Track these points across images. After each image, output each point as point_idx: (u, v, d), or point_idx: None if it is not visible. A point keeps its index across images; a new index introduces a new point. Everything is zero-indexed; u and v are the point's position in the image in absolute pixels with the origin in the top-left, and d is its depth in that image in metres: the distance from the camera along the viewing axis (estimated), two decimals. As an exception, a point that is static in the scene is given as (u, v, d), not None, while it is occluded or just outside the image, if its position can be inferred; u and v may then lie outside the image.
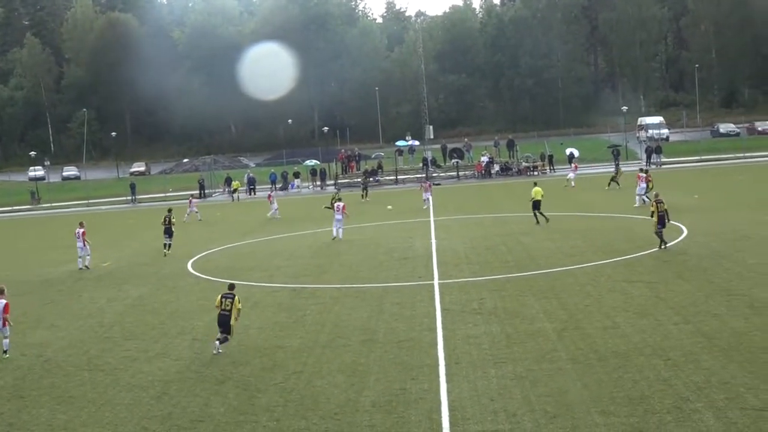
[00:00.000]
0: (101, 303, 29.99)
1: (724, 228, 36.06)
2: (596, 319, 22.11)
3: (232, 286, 22.14)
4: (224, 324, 21.33)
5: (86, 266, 38.16)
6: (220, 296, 21.71)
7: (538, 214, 41.86)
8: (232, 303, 21.35)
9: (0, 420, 17.75)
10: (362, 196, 66.72)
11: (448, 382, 17.76)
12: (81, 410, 17.85)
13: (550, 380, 17.39)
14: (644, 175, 48.30)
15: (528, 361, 18.81)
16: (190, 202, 63.14)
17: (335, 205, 42.10)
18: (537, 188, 42.50)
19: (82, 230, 38.04)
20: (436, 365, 19.03)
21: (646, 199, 44.56)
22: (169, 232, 41.50)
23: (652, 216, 32.10)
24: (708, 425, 14.39)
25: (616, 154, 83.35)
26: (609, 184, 58.82)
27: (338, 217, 41.33)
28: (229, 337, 21.44)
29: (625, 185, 55.77)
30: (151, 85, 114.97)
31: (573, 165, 71.95)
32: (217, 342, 21.26)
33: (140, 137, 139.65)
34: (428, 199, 55.48)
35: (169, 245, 41.37)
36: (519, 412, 15.69)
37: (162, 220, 42.18)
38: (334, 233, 41.54)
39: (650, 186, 45.82)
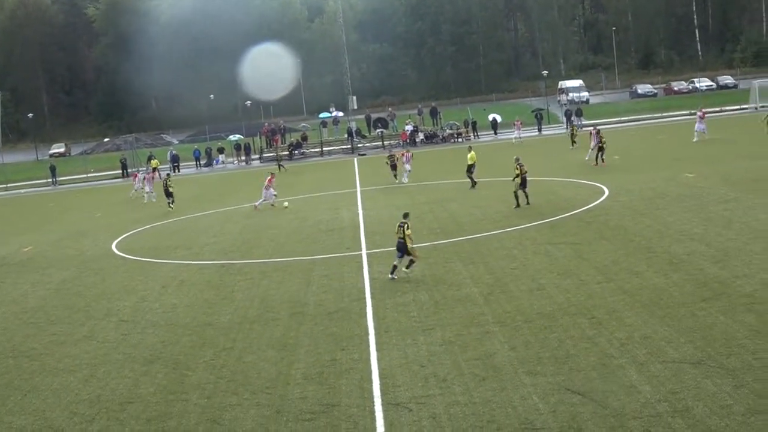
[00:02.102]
0: (24, 288, 29.40)
1: (643, 187, 36.81)
2: (522, 282, 22.45)
3: (406, 215, 24.36)
4: (401, 248, 23.59)
5: None
6: (397, 225, 23.88)
7: (471, 177, 43.06)
8: (403, 230, 23.39)
9: None
10: (278, 168, 67.09)
11: (378, 350, 17.89)
12: (6, 399, 17.52)
13: (478, 344, 17.63)
14: (596, 133, 50.06)
15: (456, 326, 19.03)
16: (135, 177, 61.93)
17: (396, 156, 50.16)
18: (472, 153, 43.60)
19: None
20: (366, 335, 19.16)
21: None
22: (168, 194, 48.16)
23: (514, 179, 34.12)
24: (631, 379, 14.77)
25: (539, 118, 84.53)
26: (572, 143, 60.19)
27: (407, 167, 49.15)
28: (414, 258, 23.86)
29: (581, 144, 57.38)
30: (67, 63, 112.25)
31: (516, 123, 75.34)
32: (394, 267, 23.94)
33: (59, 118, 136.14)
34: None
35: (172, 201, 48.10)
36: (449, 376, 15.89)
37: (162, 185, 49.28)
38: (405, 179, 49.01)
39: (603, 143, 47.53)
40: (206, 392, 16.51)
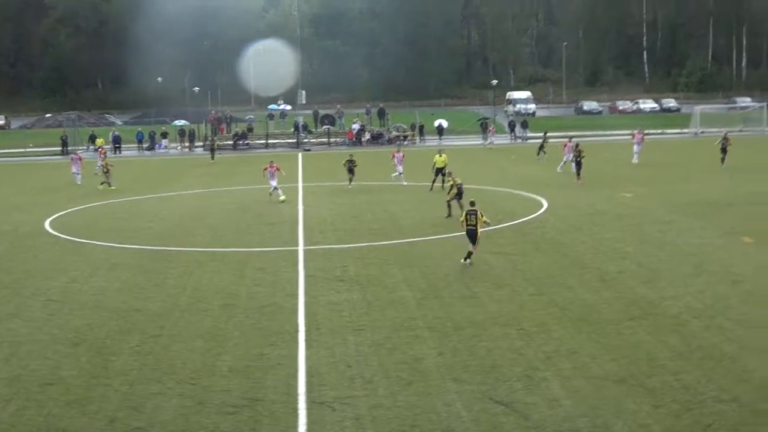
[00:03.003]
0: (-49, 261, 28.77)
1: (582, 203, 37.29)
2: (455, 289, 22.54)
3: (473, 203, 24.63)
4: (472, 236, 24.07)
5: None
6: (464, 213, 24.50)
7: (435, 181, 43.46)
8: (476, 217, 23.81)
9: None
10: (211, 157, 67.38)
11: (306, 348, 17.83)
12: (-77, 372, 17.12)
13: (407, 347, 17.66)
14: (570, 143, 50.49)
15: (386, 329, 19.04)
16: (102, 153, 60.94)
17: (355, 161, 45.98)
18: (441, 157, 43.99)
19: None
20: (296, 331, 19.06)
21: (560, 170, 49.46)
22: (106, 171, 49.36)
23: (449, 191, 34.12)
24: (554, 393, 14.92)
25: (485, 126, 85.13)
26: (538, 153, 60.04)
27: (400, 169, 46.62)
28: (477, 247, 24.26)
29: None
30: (14, 35, 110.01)
31: (491, 130, 78.33)
32: (469, 253, 24.12)
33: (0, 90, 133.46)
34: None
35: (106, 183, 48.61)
36: (375, 378, 15.89)
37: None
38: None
39: (582, 157, 46.21)
40: (129, 379, 16.30)
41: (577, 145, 48.56)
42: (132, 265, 27.28)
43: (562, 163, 50.93)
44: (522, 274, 23.99)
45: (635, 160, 55.70)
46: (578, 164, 45.84)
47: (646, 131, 62.81)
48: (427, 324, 19.38)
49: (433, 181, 43.58)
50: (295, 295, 22.37)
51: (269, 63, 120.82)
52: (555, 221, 32.88)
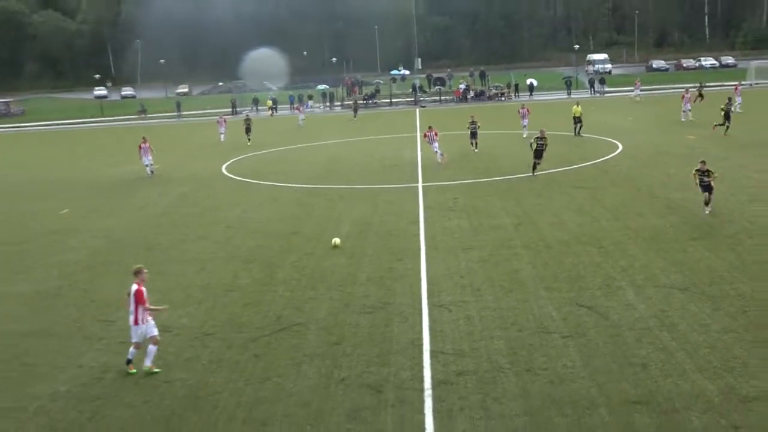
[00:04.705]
0: (153, 198, 30.09)
1: (651, 144, 36.00)
2: (545, 216, 22.29)
3: (704, 162, 21.55)
4: (708, 188, 21.11)
5: (152, 172, 35.69)
6: (695, 172, 21.48)
7: (577, 127, 41.86)
8: (708, 175, 21.11)
9: (76, 286, 18.07)
10: (354, 116, 66.59)
11: (427, 263, 18.02)
12: (138, 281, 18.11)
13: (507, 263, 17.65)
14: (688, 95, 46.98)
15: (490, 248, 19.03)
16: (299, 109, 65.29)
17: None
18: (577, 107, 42.68)
19: (147, 144, 35.64)
20: (418, 250, 19.26)
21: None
22: (248, 131, 48.82)
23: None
24: (629, 298, 14.71)
25: (569, 84, 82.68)
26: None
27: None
28: (712, 197, 21.29)
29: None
30: (191, 21, 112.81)
31: (637, 82, 71.42)
32: (706, 203, 21.23)
33: (184, 64, 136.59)
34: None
35: (249, 138, 48.10)
36: (482, 287, 15.98)
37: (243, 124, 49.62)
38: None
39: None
40: (291, 286, 16.86)
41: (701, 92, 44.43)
42: (289, 199, 27.97)
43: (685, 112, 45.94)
44: (600, 204, 23.50)
45: (739, 109, 47.59)
46: (727, 116, 37.98)
47: (706, 84, 58.84)
48: (523, 243, 19.29)
49: (574, 129, 41.96)
50: (417, 222, 22.55)
51: (391, 36, 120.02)
52: (628, 160, 31.92)
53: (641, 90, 68.90)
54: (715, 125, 38.24)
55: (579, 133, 41.69)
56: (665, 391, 10.79)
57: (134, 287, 12.60)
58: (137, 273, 12.82)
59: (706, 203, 21.24)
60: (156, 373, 12.47)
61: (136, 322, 12.55)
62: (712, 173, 21.19)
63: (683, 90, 54.81)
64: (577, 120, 41.88)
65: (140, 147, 35.86)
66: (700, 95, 51.42)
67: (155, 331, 12.70)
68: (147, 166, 35.68)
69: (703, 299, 14.40)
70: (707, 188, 21.19)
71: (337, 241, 19.81)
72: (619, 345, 12.52)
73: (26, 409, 11.58)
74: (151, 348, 12.57)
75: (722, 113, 38.05)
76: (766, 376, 11.08)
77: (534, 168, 29.29)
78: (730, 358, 11.78)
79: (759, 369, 11.33)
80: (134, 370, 12.56)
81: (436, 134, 34.34)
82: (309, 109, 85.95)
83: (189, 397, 11.64)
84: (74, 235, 23.73)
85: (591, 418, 10.19)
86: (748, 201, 22.47)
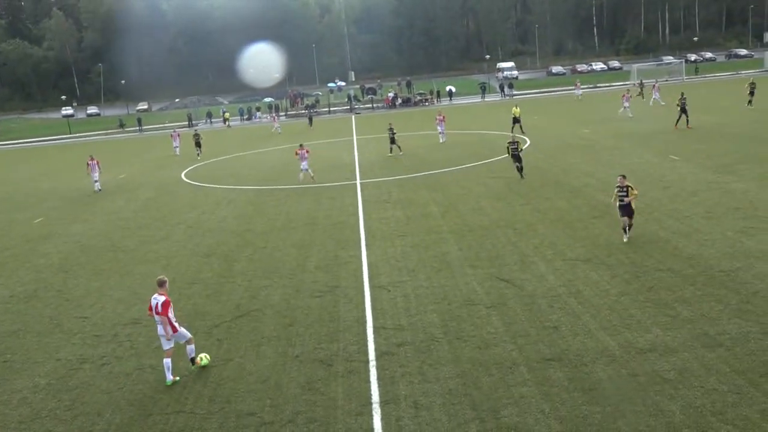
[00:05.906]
0: (120, 204, 29.25)
1: (555, 138, 36.64)
2: (467, 204, 22.47)
3: (624, 177, 16.29)
4: (627, 211, 16.27)
5: (99, 189, 33.24)
6: (616, 190, 16.44)
7: (517, 127, 40.46)
8: (626, 194, 16.16)
9: (51, 288, 17.43)
10: (309, 125, 65.76)
11: (367, 250, 17.97)
12: (109, 279, 17.62)
13: (436, 246, 17.73)
14: (627, 95, 45.33)
15: (421, 234, 19.10)
16: (274, 118, 63.47)
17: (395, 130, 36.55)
18: (516, 108, 42.23)
19: (95, 161, 33.26)
20: (359, 239, 19.21)
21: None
22: (198, 145, 44.66)
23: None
24: (541, 271, 14.93)
25: (484, 88, 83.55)
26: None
27: (440, 129, 39.30)
28: (632, 222, 16.51)
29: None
30: (147, 45, 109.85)
31: (577, 83, 69.94)
32: (625, 229, 16.50)
33: (142, 84, 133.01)
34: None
35: (198, 153, 44.29)
36: (416, 268, 16.01)
37: (193, 138, 45.59)
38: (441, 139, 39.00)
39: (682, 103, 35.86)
40: (247, 277, 16.61)
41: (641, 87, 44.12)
42: (243, 200, 27.54)
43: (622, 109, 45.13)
44: (514, 191, 23.79)
45: (661, 101, 48.80)
46: (683, 111, 35.78)
47: (598, 84, 60.10)
48: (449, 228, 19.41)
49: (512, 128, 40.26)
50: (357, 215, 22.47)
51: (326, 53, 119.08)
52: (535, 152, 32.38)
53: (581, 89, 68.25)
54: (676, 122, 36.02)
55: (522, 131, 40.02)
56: (575, 349, 11.00)
57: (162, 298, 11.18)
58: (161, 284, 11.36)
59: (625, 229, 16.48)
60: (206, 365, 11.55)
61: (174, 330, 11.28)
62: (632, 189, 16.23)
63: (625, 90, 54.87)
64: (516, 120, 41.04)
65: (88, 164, 33.49)
66: (641, 93, 52.23)
67: (189, 334, 11.68)
68: (95, 182, 33.43)
69: (603, 268, 14.72)
70: (627, 211, 16.30)
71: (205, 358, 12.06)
72: (534, 311, 12.70)
73: (9, 402, 11.11)
74: (190, 347, 11.58)
75: (678, 108, 35.99)
76: (657, 330, 11.40)
77: (521, 172, 25.73)
78: (627, 317, 12.08)
79: (650, 324, 11.65)
80: (178, 378, 11.26)
81: (307, 152, 30.01)
82: (257, 120, 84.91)
83: (159, 381, 11.34)
84: (47, 241, 22.89)
85: (513, 375, 10.31)
86: (636, 183, 22.97)
